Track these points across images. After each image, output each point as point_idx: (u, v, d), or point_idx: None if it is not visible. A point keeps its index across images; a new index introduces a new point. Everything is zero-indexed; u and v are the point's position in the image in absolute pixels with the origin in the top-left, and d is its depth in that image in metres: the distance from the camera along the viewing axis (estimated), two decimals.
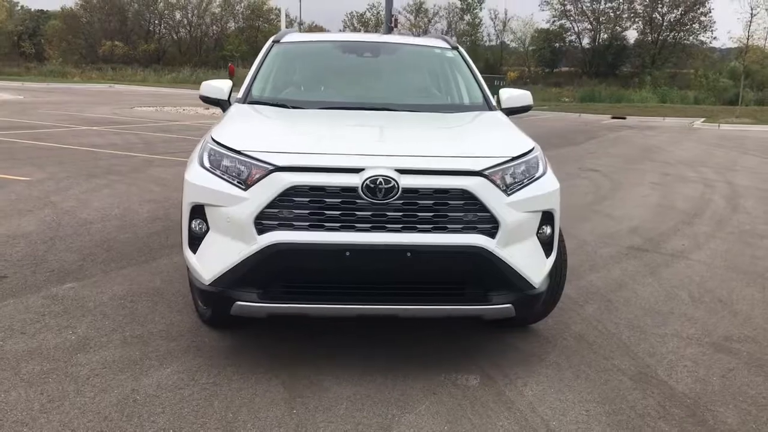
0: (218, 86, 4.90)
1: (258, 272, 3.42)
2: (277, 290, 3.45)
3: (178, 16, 69.10)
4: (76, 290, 4.72)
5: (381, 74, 5.31)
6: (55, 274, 5.01)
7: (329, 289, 3.47)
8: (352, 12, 70.64)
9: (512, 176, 3.61)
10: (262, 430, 3.08)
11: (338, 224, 3.39)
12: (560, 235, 4.09)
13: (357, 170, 3.38)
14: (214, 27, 70.60)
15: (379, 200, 3.35)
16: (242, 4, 69.75)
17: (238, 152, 3.52)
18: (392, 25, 37.97)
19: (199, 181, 3.56)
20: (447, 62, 5.25)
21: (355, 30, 63.05)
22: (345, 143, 3.64)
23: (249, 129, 3.87)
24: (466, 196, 3.43)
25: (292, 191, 3.37)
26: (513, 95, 4.99)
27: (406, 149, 3.58)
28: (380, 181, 3.34)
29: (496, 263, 3.47)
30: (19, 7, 79.70)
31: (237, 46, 64.55)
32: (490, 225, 3.48)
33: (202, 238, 3.58)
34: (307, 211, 3.38)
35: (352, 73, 5.34)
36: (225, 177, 3.50)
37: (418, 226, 3.42)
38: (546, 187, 3.74)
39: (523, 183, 3.65)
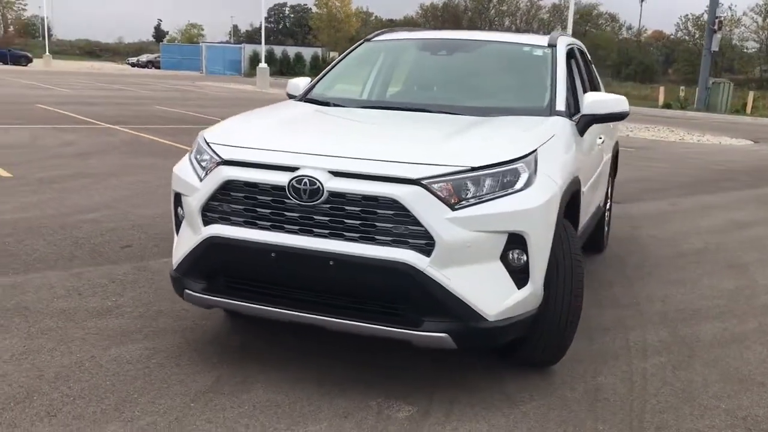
0: (297, 84, 5.00)
1: (201, 263, 3.47)
2: (220, 283, 3.45)
3: (507, 22, 70.59)
4: None
5: (444, 73, 4.97)
6: None
7: (263, 290, 3.37)
8: (687, 14, 65.38)
9: (467, 188, 3.15)
10: (146, 412, 3.11)
11: (269, 223, 3.29)
12: (575, 264, 3.45)
13: (291, 169, 3.23)
14: (542, 33, 70.85)
15: (305, 202, 3.17)
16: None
17: (207, 144, 3.59)
18: (714, 27, 34.63)
19: (179, 171, 3.70)
20: (530, 61, 4.70)
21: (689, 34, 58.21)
22: (291, 141, 3.49)
23: (239, 123, 3.89)
24: (396, 206, 3.07)
25: (230, 185, 3.35)
26: (599, 100, 4.29)
27: (346, 150, 3.31)
28: (305, 182, 3.16)
29: (427, 285, 3.06)
30: (372, 18, 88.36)
31: None
32: (425, 241, 3.07)
33: (179, 225, 3.71)
34: (242, 207, 3.34)
35: (415, 72, 5.12)
36: (195, 168, 3.59)
37: (344, 233, 3.16)
38: (517, 205, 3.18)
39: (483, 197, 3.15)
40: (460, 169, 3.16)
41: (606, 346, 4.16)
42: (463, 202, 3.12)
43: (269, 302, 3.33)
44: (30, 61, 58.61)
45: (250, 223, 3.32)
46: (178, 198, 3.69)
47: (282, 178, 3.21)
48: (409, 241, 3.09)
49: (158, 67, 68.73)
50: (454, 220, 3.07)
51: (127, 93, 26.00)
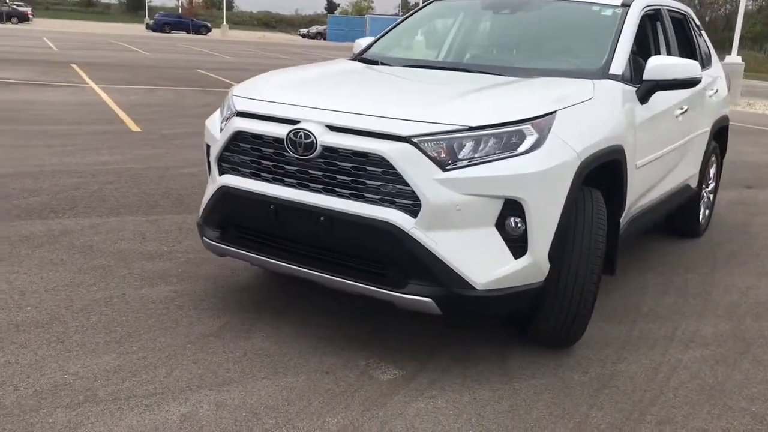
0: (360, 43, 4.97)
1: (215, 212, 3.58)
2: (232, 233, 3.54)
3: None
4: None
5: (501, 33, 4.74)
6: None
7: (265, 241, 3.41)
8: None
9: (463, 149, 3.00)
10: (143, 348, 3.27)
11: (270, 176, 3.32)
12: (595, 239, 3.22)
13: (292, 122, 3.23)
14: (727, 6, 65.57)
15: (301, 156, 3.16)
16: None
17: (231, 96, 3.67)
18: None
19: (209, 123, 3.81)
20: (596, 21, 4.33)
21: None
22: (300, 95, 3.46)
23: (266, 78, 3.90)
24: (384, 163, 2.99)
25: (240, 136, 3.41)
26: (663, 65, 3.92)
27: (343, 105, 3.24)
28: (301, 135, 3.15)
29: (412, 247, 2.97)
30: None
31: (751, 26, 58.83)
32: (412, 201, 2.97)
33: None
34: (249, 158, 3.39)
35: (471, 32, 4.91)
36: (220, 120, 3.68)
37: (336, 190, 3.13)
38: (515, 169, 2.99)
39: (480, 159, 2.99)
40: (457, 128, 3.01)
41: (647, 333, 3.84)
42: (457, 163, 2.98)
43: (270, 254, 3.37)
44: (209, 30, 62.40)
45: (256, 175, 3.37)
46: (208, 149, 3.80)
47: (282, 131, 3.21)
48: (397, 200, 3.00)
49: (326, 39, 70.81)
50: (443, 182, 2.94)
51: (285, 61, 27.03)
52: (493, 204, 3.00)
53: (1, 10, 58.18)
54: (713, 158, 5.81)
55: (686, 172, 5.10)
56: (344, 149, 3.07)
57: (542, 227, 3.07)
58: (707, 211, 5.94)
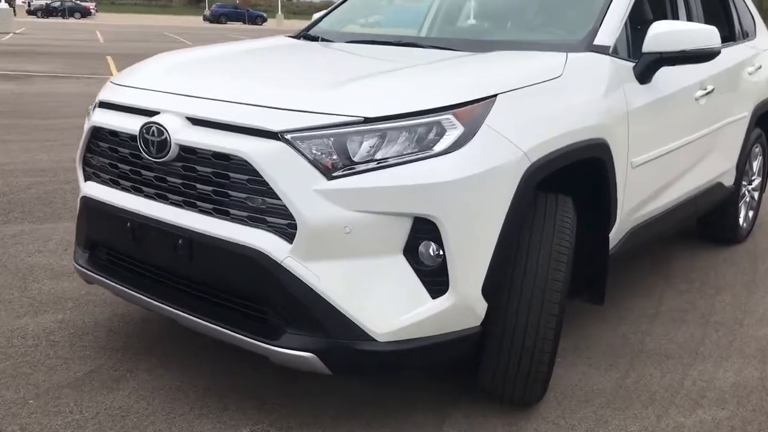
0: (315, 16, 4.17)
1: (81, 229, 2.85)
2: (101, 256, 2.81)
3: None
4: None
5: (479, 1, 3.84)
6: None
7: (128, 267, 2.67)
8: None
9: (357, 148, 2.17)
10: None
11: (129, 183, 2.57)
12: (553, 266, 2.37)
13: (151, 113, 2.47)
14: None
15: (156, 158, 2.39)
16: None
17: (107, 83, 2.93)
18: None
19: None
20: None
21: None
22: (171, 79, 2.68)
23: (154, 59, 3.09)
24: (248, 168, 2.19)
25: (98, 133, 2.67)
26: (667, 32, 2.98)
27: (211, 90, 2.44)
28: (153, 131, 2.38)
29: (286, 283, 2.17)
30: None
31: None
32: (287, 221, 2.17)
33: None
34: (108, 161, 2.65)
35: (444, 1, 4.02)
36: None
37: (197, 203, 2.35)
38: (427, 175, 2.15)
39: (379, 162, 2.16)
40: (348, 120, 2.19)
41: (646, 381, 2.95)
42: (348, 169, 2.15)
43: (130, 283, 2.62)
44: (264, 20, 62.34)
45: (115, 182, 2.63)
46: None
47: (134, 126, 2.45)
48: (268, 219, 2.20)
49: None
50: (327, 194, 2.12)
51: None
52: (399, 224, 2.17)
53: (63, 5, 59.42)
54: (757, 149, 4.78)
55: (717, 168, 4.12)
56: (203, 150, 2.29)
57: (470, 255, 2.22)
58: (750, 213, 4.92)
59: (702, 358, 3.19)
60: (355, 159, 2.16)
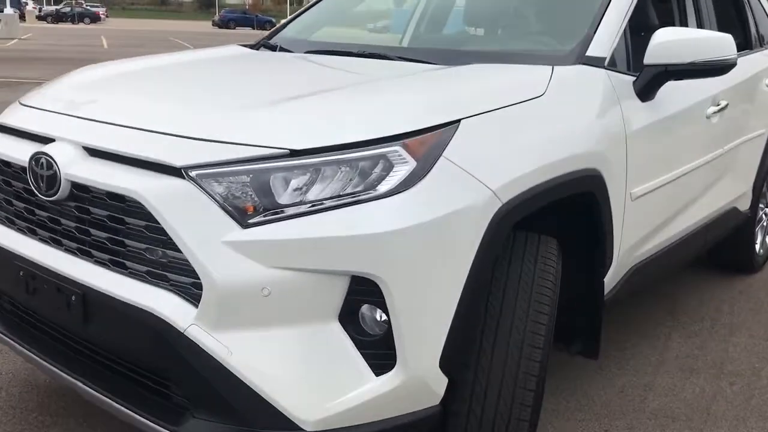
0: (282, 23, 3.75)
1: None
2: (6, 305, 2.38)
3: None
4: None
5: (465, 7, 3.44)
6: None
7: (27, 322, 2.24)
8: None
9: (281, 188, 1.74)
10: None
11: (25, 223, 2.14)
12: (530, 327, 1.94)
13: (47, 140, 2.04)
14: None
15: (46, 196, 1.97)
16: None
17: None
18: None
19: None
20: None
21: None
22: (79, 97, 2.25)
23: (85, 72, 2.70)
24: (144, 212, 1.76)
25: None
26: (673, 41, 2.52)
27: (119, 114, 2.01)
28: (42, 163, 1.95)
29: (191, 357, 1.73)
30: None
31: None
32: (192, 279, 1.74)
33: None
34: (2, 195, 2.23)
35: (427, 7, 3.62)
36: None
37: (92, 252, 1.92)
38: (367, 222, 1.71)
39: (309, 206, 1.72)
40: (270, 153, 1.75)
41: None
42: (269, 214, 1.71)
43: (26, 342, 2.19)
44: (273, 25, 62.16)
45: (10, 221, 2.21)
46: None
47: (26, 156, 2.02)
48: (170, 276, 1.77)
49: None
50: (239, 246, 1.69)
51: None
52: (333, 285, 1.73)
53: (73, 11, 59.44)
54: None
55: (731, 192, 3.66)
56: (96, 188, 1.86)
57: (423, 321, 1.78)
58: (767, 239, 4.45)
59: (714, 420, 2.73)
60: (279, 201, 1.72)
